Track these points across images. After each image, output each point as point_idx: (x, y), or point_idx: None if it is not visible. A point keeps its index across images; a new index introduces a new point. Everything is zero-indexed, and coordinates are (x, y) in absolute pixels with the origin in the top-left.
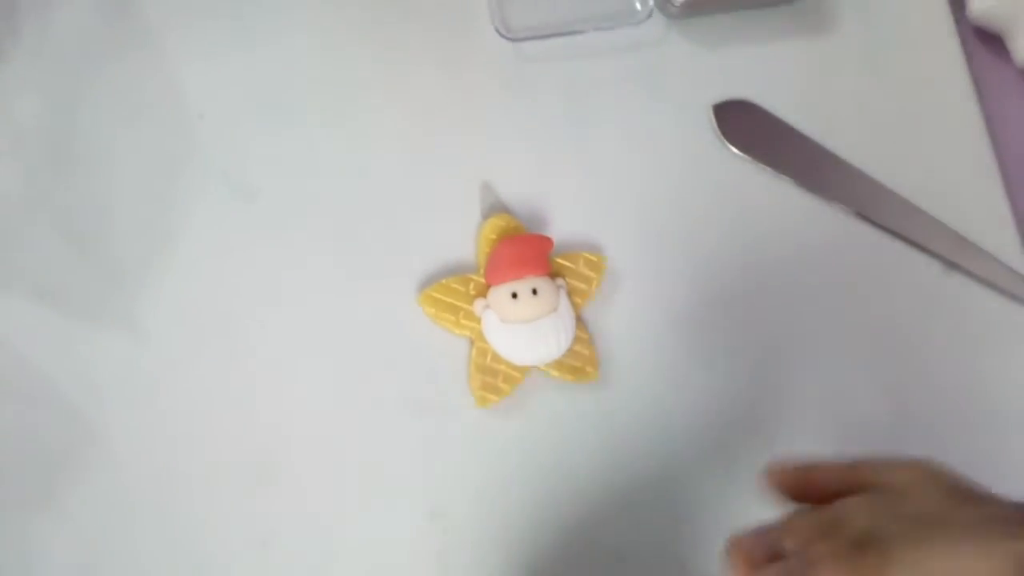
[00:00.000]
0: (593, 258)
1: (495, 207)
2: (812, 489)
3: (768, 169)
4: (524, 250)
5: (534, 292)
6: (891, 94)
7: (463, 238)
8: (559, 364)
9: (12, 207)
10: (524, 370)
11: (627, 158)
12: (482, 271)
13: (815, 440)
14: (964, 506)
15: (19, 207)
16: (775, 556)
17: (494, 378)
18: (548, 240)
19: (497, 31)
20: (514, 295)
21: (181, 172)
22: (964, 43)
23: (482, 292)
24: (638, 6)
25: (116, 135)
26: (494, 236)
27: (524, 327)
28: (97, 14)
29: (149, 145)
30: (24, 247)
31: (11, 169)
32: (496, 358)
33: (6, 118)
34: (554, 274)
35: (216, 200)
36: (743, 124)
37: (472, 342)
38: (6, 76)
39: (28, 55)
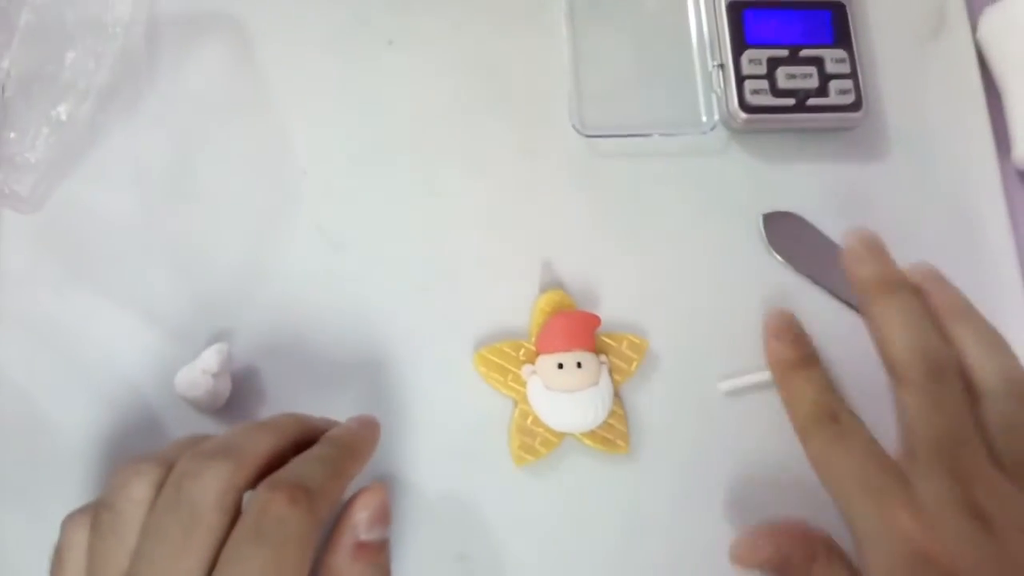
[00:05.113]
0: (636, 340)
1: (552, 283)
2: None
3: (809, 279)
4: (574, 325)
5: (579, 365)
6: (931, 225)
7: (520, 307)
8: (593, 434)
9: (128, 232)
10: (561, 436)
11: (678, 253)
12: (533, 339)
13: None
14: None
15: (133, 233)
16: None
17: (532, 440)
18: (596, 318)
19: (574, 127)
20: (560, 365)
21: (280, 219)
22: (1006, 186)
23: (531, 359)
24: (704, 118)
25: (228, 180)
26: (548, 309)
27: (565, 396)
28: (225, 74)
29: (255, 192)
30: (134, 269)
31: (131, 199)
32: (536, 421)
33: (134, 155)
34: (599, 351)
35: (307, 248)
36: (790, 235)
37: (516, 404)
38: (139, 119)
39: (161, 103)
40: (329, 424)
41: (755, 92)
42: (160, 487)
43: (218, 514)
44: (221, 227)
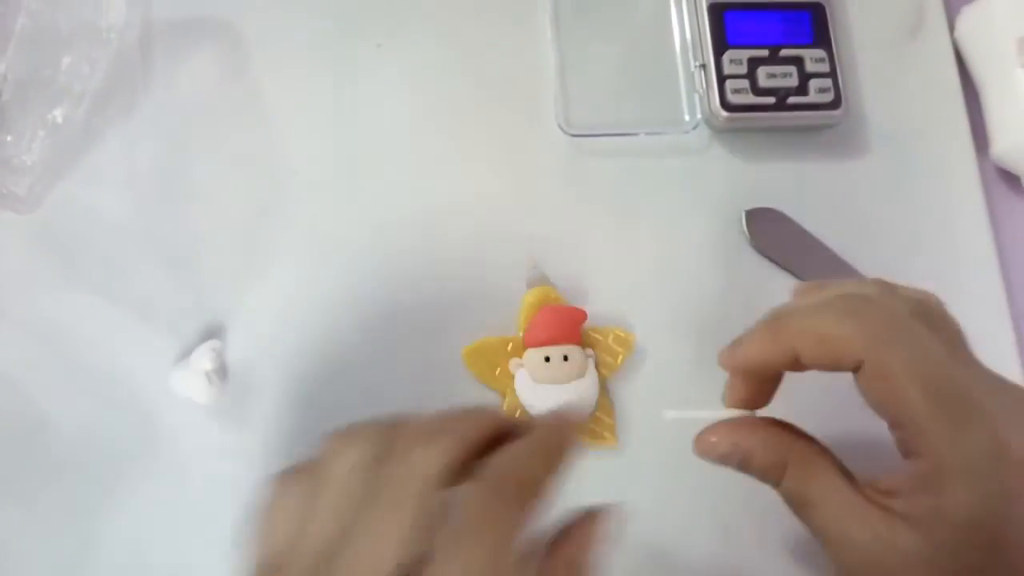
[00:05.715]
0: (622, 334)
1: (539, 279)
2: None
3: (791, 273)
4: (560, 319)
5: (565, 358)
6: (910, 219)
7: (508, 302)
8: (580, 427)
9: (122, 233)
10: None
11: (663, 249)
12: (521, 334)
13: None
14: None
15: (128, 233)
16: None
17: None
18: (582, 313)
19: (560, 127)
20: (547, 359)
21: (272, 219)
22: (984, 180)
23: (518, 353)
24: (687, 117)
25: (220, 181)
26: (535, 304)
27: (552, 389)
28: (218, 77)
29: (247, 192)
30: (128, 268)
31: (125, 200)
32: (524, 415)
33: (128, 157)
34: (585, 344)
35: (298, 247)
36: (771, 230)
37: (504, 397)
38: (134, 122)
39: (155, 106)
40: (523, 424)
41: (736, 91)
42: (372, 459)
43: (428, 494)
44: (214, 227)
